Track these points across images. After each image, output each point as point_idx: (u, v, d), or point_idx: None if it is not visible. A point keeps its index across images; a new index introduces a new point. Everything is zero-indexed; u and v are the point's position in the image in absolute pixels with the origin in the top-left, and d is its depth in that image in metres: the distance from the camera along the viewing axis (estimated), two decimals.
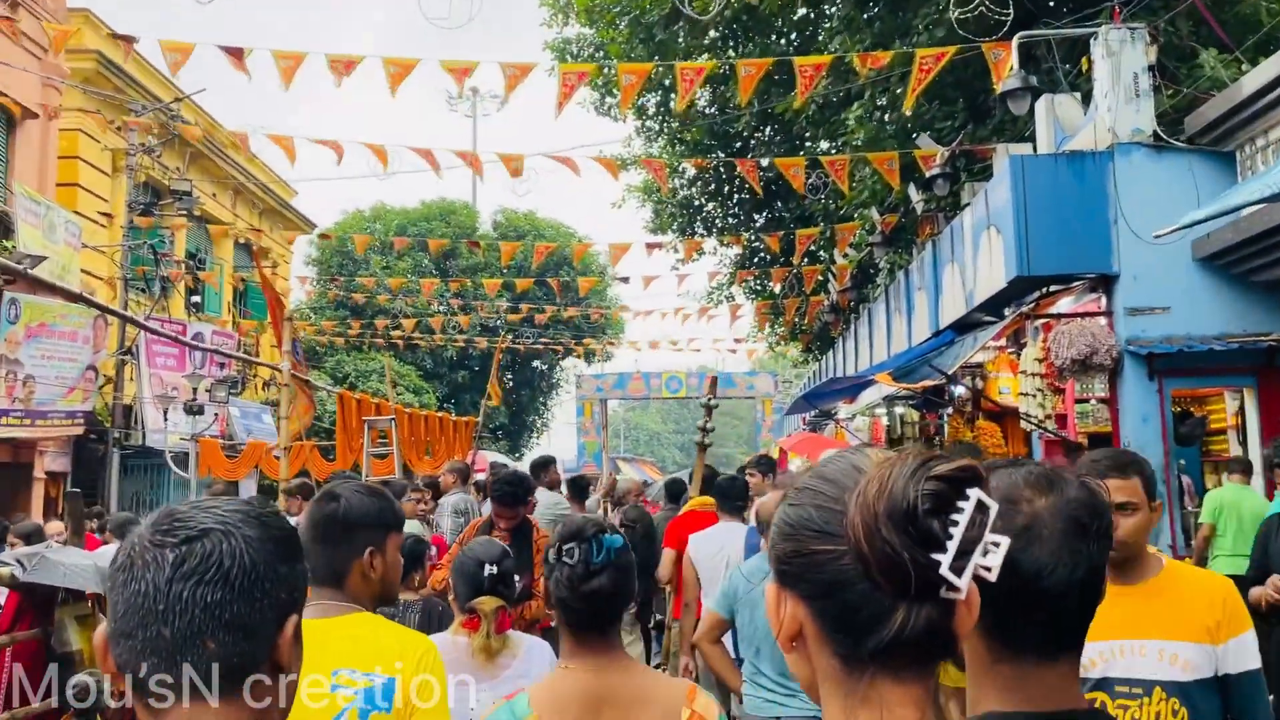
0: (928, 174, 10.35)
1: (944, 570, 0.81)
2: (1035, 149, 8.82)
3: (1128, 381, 7.54)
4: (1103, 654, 2.17)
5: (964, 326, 9.35)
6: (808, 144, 15.89)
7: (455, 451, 14.16)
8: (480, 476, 9.72)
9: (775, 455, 19.34)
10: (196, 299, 21.52)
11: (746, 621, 4.07)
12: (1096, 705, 2.05)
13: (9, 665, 4.81)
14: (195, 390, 16.68)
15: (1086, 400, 9.33)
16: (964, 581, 0.82)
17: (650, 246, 15.27)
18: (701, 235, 19.32)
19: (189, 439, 16.23)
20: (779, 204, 19.26)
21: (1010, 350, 9.64)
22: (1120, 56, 7.67)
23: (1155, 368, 7.44)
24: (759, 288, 20.90)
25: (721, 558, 5.44)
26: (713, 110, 17.98)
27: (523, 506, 4.97)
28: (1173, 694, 2.14)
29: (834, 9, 13.59)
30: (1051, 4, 11.01)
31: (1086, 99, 8.58)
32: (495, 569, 3.02)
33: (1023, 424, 8.38)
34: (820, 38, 13.54)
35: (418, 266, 28.69)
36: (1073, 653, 1.22)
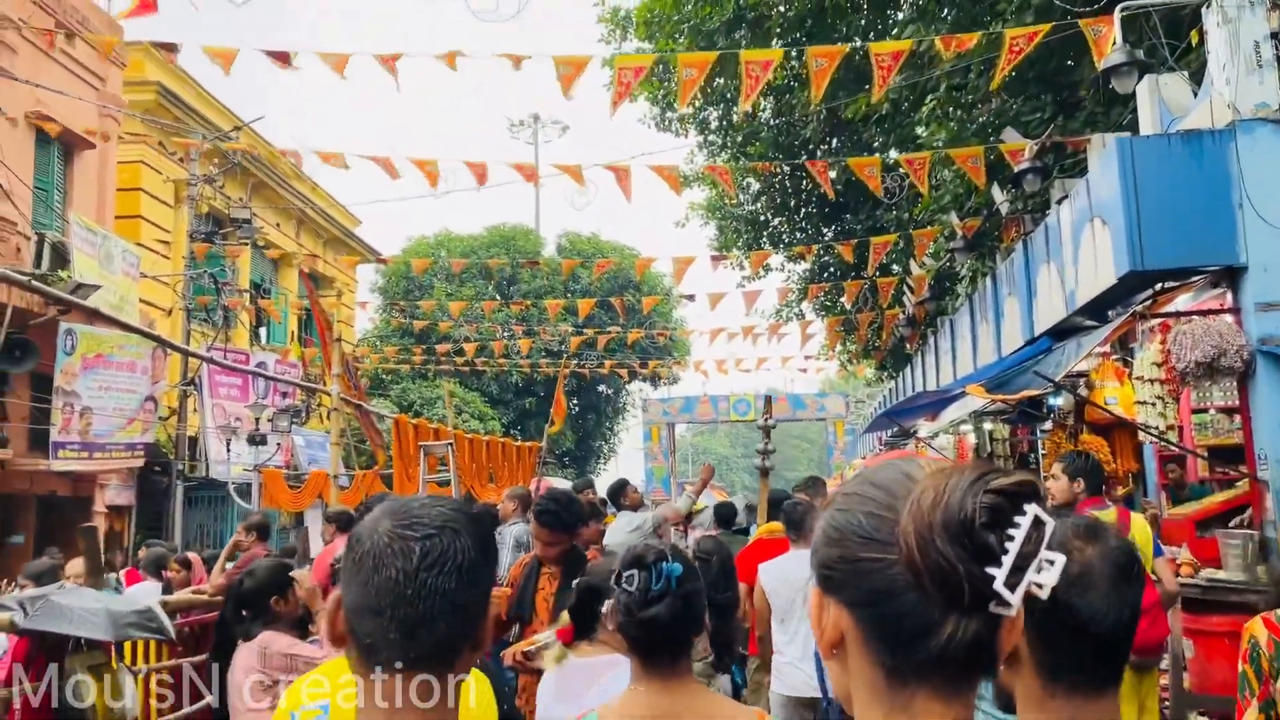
0: (1015, 169, 9.56)
1: (998, 585, 0.81)
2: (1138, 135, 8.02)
3: (1261, 386, 6.66)
4: None
5: (1061, 333, 8.54)
6: (877, 153, 15.19)
7: (519, 478, 13.67)
8: None
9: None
10: (261, 329, 21.55)
11: None
12: None
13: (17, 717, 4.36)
14: (258, 420, 16.52)
15: (1205, 410, 8.44)
16: (1016, 598, 0.82)
17: (715, 259, 14.65)
18: (769, 248, 18.65)
19: (252, 469, 16.05)
20: (847, 216, 18.53)
21: (1116, 356, 8.78)
22: (1238, 24, 6.87)
23: None
24: (829, 304, 20.13)
25: (795, 588, 5.06)
26: (778, 121, 17.38)
27: (569, 533, 4.37)
28: None
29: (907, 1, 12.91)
30: None
31: (1191, 79, 7.78)
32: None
33: (1140, 436, 7.53)
34: (894, 32, 12.86)
35: (481, 293, 28.52)
36: (1116, 687, 1.33)
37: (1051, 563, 0.83)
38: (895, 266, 16.86)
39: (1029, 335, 9.43)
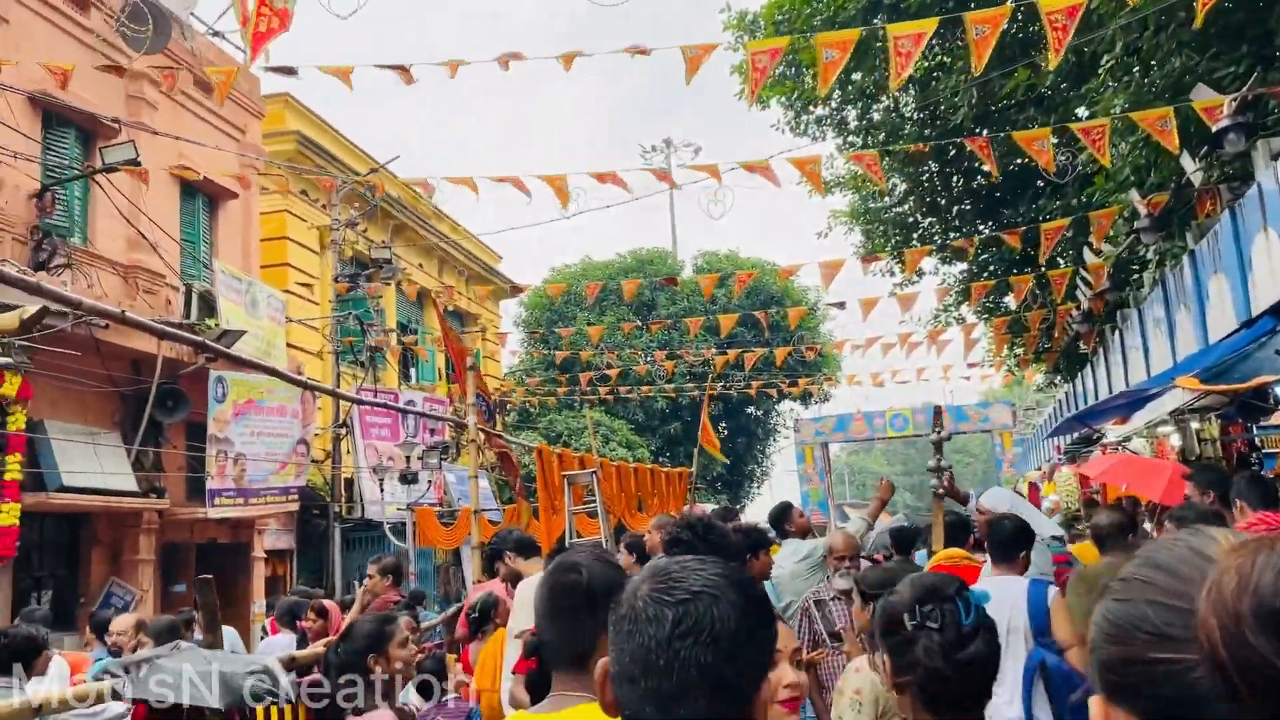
0: (1214, 127, 8.34)
1: None
2: None
3: None
4: None
5: None
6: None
7: (669, 505, 13.08)
8: None
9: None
10: (411, 369, 21.80)
11: None
12: None
13: None
14: (408, 459, 16.52)
15: None
16: None
17: (866, 260, 13.72)
18: (923, 246, 17.49)
19: (405, 509, 16.03)
20: (1005, 211, 17.21)
21: None
22: None
23: None
24: (992, 305, 18.75)
25: (1001, 619, 4.13)
26: (921, 114, 16.33)
27: None
28: None
29: None
30: None
31: None
32: None
33: None
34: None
35: (622, 319, 28.26)
36: None
37: None
38: (1060, 260, 15.47)
39: (1245, 316, 8.17)
